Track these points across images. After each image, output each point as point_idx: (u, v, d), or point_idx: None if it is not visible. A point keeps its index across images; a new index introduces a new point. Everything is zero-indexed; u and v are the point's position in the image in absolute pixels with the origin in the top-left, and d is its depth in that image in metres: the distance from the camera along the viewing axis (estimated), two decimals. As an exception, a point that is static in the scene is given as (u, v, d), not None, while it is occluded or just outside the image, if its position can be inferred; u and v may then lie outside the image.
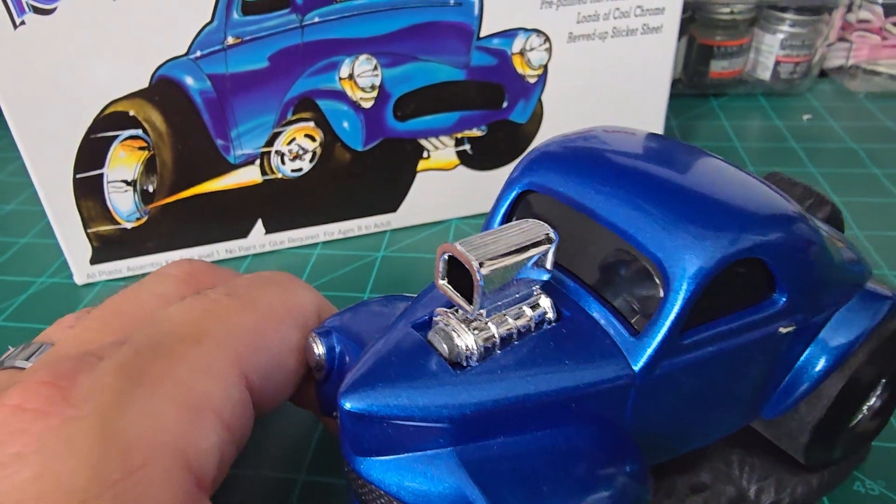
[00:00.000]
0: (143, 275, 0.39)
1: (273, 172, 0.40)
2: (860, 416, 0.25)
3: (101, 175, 0.37)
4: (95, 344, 0.21)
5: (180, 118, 0.37)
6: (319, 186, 0.41)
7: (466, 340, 0.18)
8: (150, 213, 0.39)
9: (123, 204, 0.38)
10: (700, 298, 0.19)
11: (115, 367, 0.19)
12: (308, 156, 0.40)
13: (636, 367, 0.19)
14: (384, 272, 0.40)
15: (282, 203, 0.41)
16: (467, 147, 0.42)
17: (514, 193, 0.23)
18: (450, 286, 0.19)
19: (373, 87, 0.39)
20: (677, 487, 0.24)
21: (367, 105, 0.39)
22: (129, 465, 0.17)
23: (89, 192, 0.37)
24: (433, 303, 0.20)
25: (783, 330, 0.21)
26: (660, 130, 0.45)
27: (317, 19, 0.36)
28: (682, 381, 0.20)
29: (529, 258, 0.18)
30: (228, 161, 0.38)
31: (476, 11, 0.38)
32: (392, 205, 0.43)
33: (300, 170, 0.40)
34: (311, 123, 0.39)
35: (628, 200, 0.20)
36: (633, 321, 0.20)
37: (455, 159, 0.42)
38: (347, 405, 0.18)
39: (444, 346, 0.19)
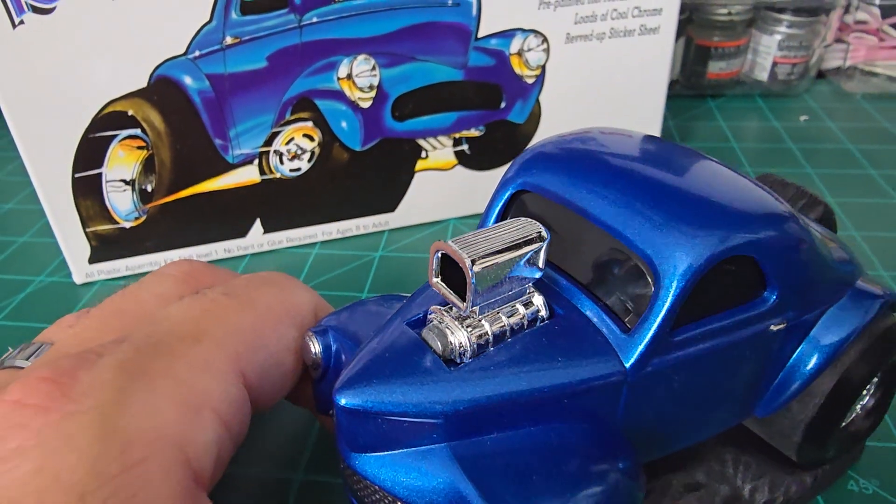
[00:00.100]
0: (142, 274, 0.39)
1: (271, 172, 0.40)
2: (853, 414, 0.25)
3: (100, 174, 0.37)
4: (95, 343, 0.21)
5: (179, 118, 0.37)
6: (318, 186, 0.41)
7: (460, 337, 0.19)
8: (149, 213, 0.39)
9: (122, 203, 0.38)
10: (690, 296, 0.19)
11: (115, 365, 0.19)
12: (306, 155, 0.40)
13: (627, 364, 0.19)
14: (382, 272, 0.40)
15: (280, 203, 0.41)
16: (465, 147, 0.42)
17: (508, 193, 0.23)
18: (443, 284, 0.19)
19: (371, 87, 0.39)
20: (672, 486, 0.25)
21: (366, 105, 0.39)
22: (128, 461, 0.17)
23: (88, 192, 0.37)
24: (428, 301, 0.21)
25: (774, 327, 0.21)
26: (657, 131, 0.46)
27: (315, 19, 0.36)
28: (673, 378, 0.20)
29: (522, 256, 0.18)
30: (227, 161, 0.39)
31: (474, 12, 0.38)
32: (390, 205, 0.43)
33: (298, 169, 0.40)
34: (310, 123, 0.39)
35: (620, 200, 0.20)
36: (625, 319, 0.20)
37: (453, 159, 0.42)
38: (343, 401, 0.18)
39: (438, 343, 0.19)
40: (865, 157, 0.50)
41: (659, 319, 0.19)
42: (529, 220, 0.19)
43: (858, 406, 0.25)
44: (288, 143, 0.39)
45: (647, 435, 0.21)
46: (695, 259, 0.19)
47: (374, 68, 0.38)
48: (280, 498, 0.27)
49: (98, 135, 0.36)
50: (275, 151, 0.39)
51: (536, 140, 0.43)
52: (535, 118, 0.42)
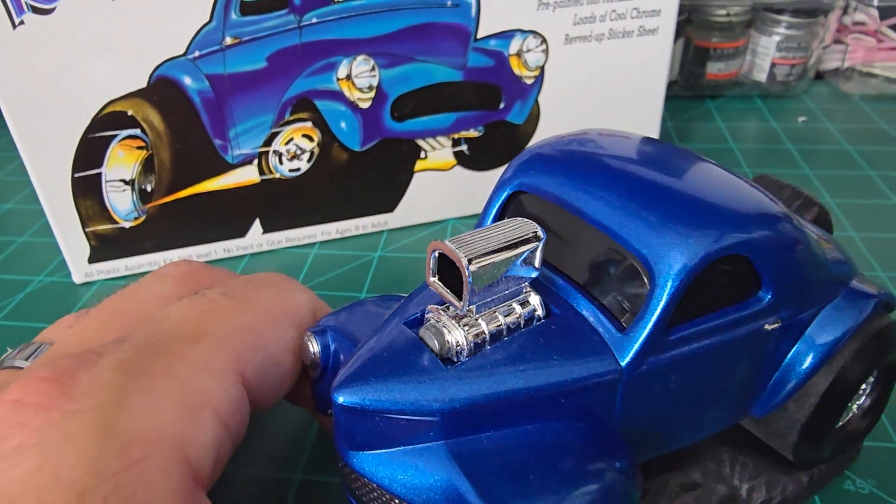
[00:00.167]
0: (141, 274, 0.39)
1: (271, 172, 0.40)
2: (850, 414, 0.25)
3: (100, 174, 0.37)
4: (95, 343, 0.21)
5: (178, 118, 0.37)
6: (317, 186, 0.41)
7: (457, 336, 0.19)
8: (149, 213, 0.39)
9: (122, 203, 0.38)
10: (685, 295, 0.19)
11: (115, 364, 0.20)
12: (306, 156, 0.40)
13: (623, 363, 0.19)
14: (381, 272, 0.40)
15: (279, 203, 0.41)
16: (464, 147, 0.42)
17: (505, 194, 0.23)
18: (441, 283, 0.19)
19: (370, 88, 0.39)
20: (668, 486, 0.25)
21: (365, 105, 0.39)
22: (128, 459, 0.17)
23: (88, 192, 0.38)
24: (425, 300, 0.21)
25: (769, 327, 0.21)
26: (656, 132, 0.46)
27: (315, 20, 0.36)
28: (669, 376, 0.20)
29: (518, 255, 0.19)
30: (226, 161, 0.39)
31: (473, 13, 0.38)
32: (389, 205, 0.43)
33: (298, 170, 0.40)
34: (309, 123, 0.39)
35: (616, 201, 0.20)
36: (621, 319, 0.20)
37: (452, 160, 0.43)
38: (340, 399, 0.18)
39: (435, 342, 0.19)
40: (864, 158, 0.50)
41: (654, 318, 0.19)
42: (526, 220, 0.19)
43: (855, 406, 0.25)
44: (287, 143, 0.39)
45: (643, 434, 0.21)
46: (689, 258, 0.19)
47: (373, 69, 0.38)
48: (279, 497, 0.27)
49: (98, 135, 0.36)
50: (274, 151, 0.39)
51: (535, 141, 0.43)
52: (533, 119, 0.43)
